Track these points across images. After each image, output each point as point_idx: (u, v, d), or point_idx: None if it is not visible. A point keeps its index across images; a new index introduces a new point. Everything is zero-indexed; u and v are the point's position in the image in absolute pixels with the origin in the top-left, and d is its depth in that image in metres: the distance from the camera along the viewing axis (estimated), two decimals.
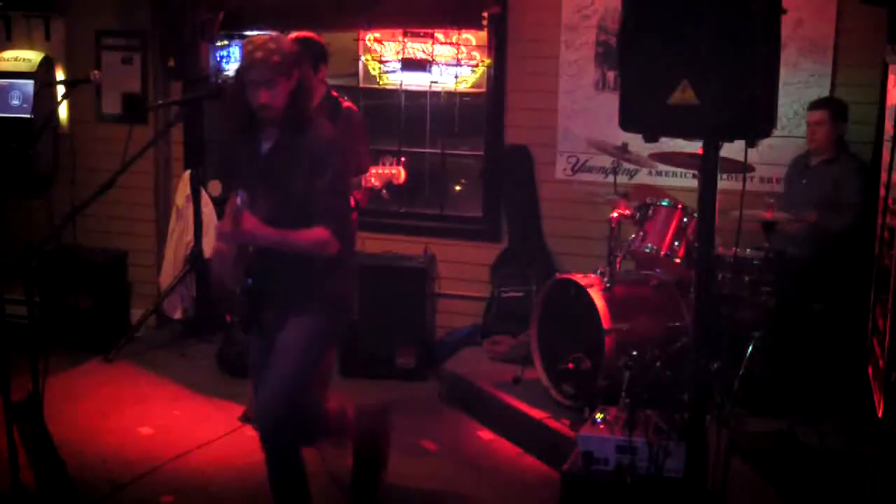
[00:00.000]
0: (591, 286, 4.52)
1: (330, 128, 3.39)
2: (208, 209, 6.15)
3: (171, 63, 5.89)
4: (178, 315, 6.25)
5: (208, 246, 6.10)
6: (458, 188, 6.45)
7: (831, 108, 4.83)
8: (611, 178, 5.21)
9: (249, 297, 3.33)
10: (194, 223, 6.05)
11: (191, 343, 6.11)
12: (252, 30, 6.27)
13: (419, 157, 6.08)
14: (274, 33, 3.30)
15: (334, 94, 4.50)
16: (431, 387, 5.46)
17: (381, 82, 6.13)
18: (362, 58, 6.13)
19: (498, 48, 5.82)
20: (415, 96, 6.09)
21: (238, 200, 3.12)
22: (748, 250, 4.60)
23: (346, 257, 3.44)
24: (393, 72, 6.09)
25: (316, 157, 3.23)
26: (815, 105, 4.88)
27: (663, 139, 3.11)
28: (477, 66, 5.94)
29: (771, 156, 5.10)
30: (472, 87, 5.99)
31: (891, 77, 4.43)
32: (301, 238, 3.23)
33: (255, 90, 3.17)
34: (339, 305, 3.48)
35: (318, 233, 3.23)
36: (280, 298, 3.32)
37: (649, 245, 4.63)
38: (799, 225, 4.70)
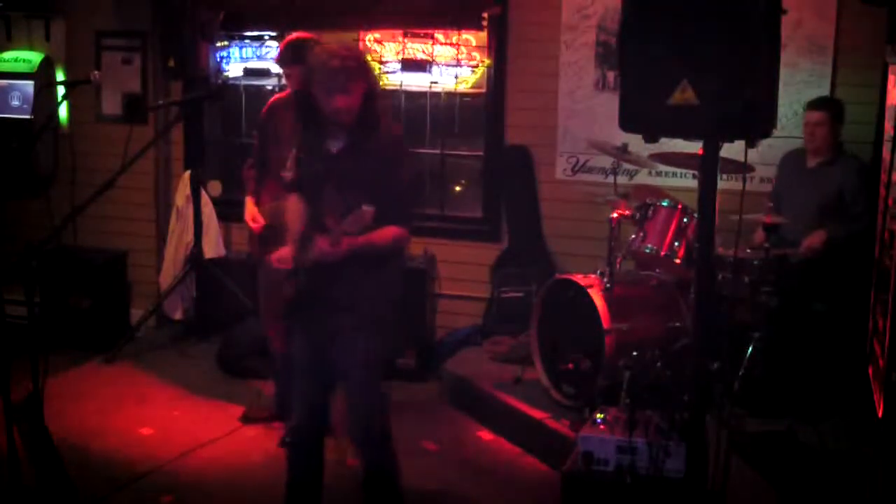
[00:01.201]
0: (591, 286, 4.52)
1: (399, 128, 3.52)
2: (208, 209, 6.15)
3: (171, 63, 5.89)
4: (178, 315, 6.26)
5: (208, 246, 6.10)
6: (458, 188, 6.45)
7: (831, 109, 4.82)
8: (611, 179, 5.20)
9: (304, 292, 3.35)
10: (194, 223, 6.05)
11: (191, 343, 6.12)
12: (252, 30, 6.29)
13: (419, 157, 6.08)
14: (344, 43, 3.42)
15: None
16: (431, 387, 5.46)
17: (381, 83, 6.13)
18: None
19: (498, 48, 5.82)
20: (415, 97, 6.09)
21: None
22: (748, 250, 4.60)
23: (399, 256, 3.57)
24: (393, 72, 6.09)
25: (389, 157, 3.32)
26: (814, 105, 4.86)
27: (663, 139, 3.11)
28: (477, 66, 5.94)
29: (771, 156, 5.10)
30: (472, 87, 5.99)
31: (891, 77, 4.44)
32: (383, 239, 3.29)
33: (332, 96, 3.24)
34: (390, 304, 3.51)
35: (394, 231, 3.30)
36: (335, 296, 3.34)
37: (649, 245, 4.63)
38: (806, 252, 4.67)
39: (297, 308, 3.41)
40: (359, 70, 3.25)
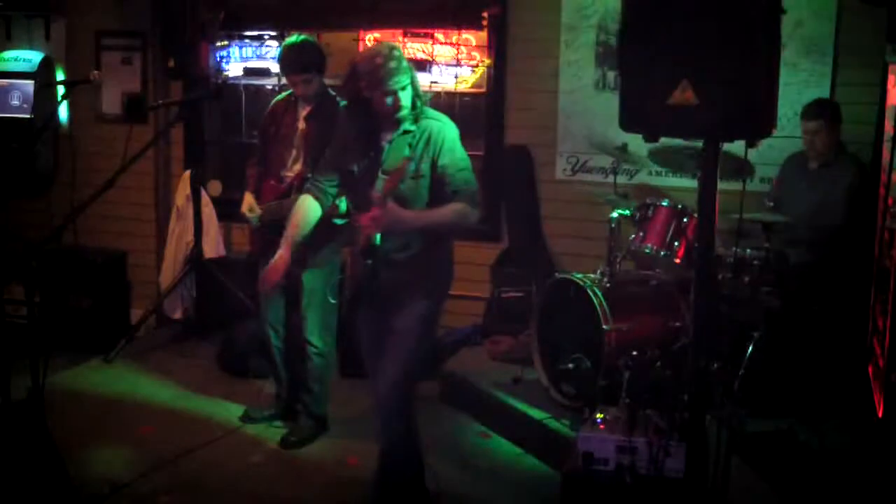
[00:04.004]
0: (591, 286, 4.52)
1: (442, 115, 3.63)
2: (208, 209, 6.15)
3: (171, 63, 5.89)
4: (178, 315, 6.25)
5: (208, 246, 6.10)
6: None
7: (826, 114, 4.76)
8: (611, 178, 5.21)
9: (369, 278, 3.50)
10: (194, 223, 6.05)
11: (191, 343, 6.11)
12: (252, 30, 6.28)
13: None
14: (385, 42, 3.57)
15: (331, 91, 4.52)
16: (431, 386, 5.45)
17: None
18: None
19: (498, 48, 5.82)
20: None
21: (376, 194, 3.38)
22: (748, 250, 4.60)
23: (451, 241, 3.75)
24: None
25: (439, 142, 3.51)
26: (809, 114, 4.79)
27: (663, 139, 3.12)
28: (477, 66, 5.94)
29: (771, 156, 5.10)
30: (473, 87, 5.99)
31: (891, 77, 4.44)
32: (442, 215, 3.48)
33: (386, 97, 3.39)
34: (444, 287, 3.75)
35: (456, 206, 3.48)
36: (396, 280, 3.50)
37: (649, 245, 4.63)
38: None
39: (370, 293, 3.57)
40: (409, 68, 3.42)
